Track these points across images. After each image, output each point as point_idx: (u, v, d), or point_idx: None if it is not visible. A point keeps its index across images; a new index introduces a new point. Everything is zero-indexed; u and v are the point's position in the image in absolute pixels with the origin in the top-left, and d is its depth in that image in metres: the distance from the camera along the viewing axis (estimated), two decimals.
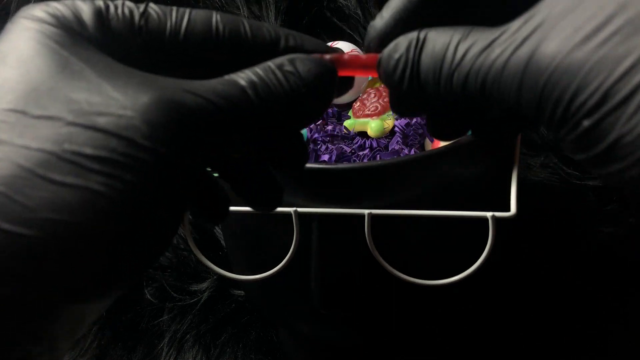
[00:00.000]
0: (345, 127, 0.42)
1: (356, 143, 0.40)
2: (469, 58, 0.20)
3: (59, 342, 0.19)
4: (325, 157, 0.38)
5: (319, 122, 0.43)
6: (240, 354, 0.50)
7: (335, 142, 0.41)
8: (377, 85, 0.44)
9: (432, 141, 0.40)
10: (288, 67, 0.21)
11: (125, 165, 0.18)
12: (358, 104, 0.42)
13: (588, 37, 0.17)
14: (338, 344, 0.42)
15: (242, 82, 0.20)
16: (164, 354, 0.50)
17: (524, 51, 0.19)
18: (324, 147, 0.40)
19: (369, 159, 0.38)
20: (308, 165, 0.33)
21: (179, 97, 0.19)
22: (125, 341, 0.52)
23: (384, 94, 0.42)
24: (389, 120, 0.41)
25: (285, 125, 0.22)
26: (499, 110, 0.24)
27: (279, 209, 0.34)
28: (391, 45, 0.22)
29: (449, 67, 0.20)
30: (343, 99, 0.44)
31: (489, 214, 0.32)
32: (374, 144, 0.40)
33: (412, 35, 0.21)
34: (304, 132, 0.41)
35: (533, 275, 0.50)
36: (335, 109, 0.44)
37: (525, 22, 0.19)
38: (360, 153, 0.39)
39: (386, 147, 0.39)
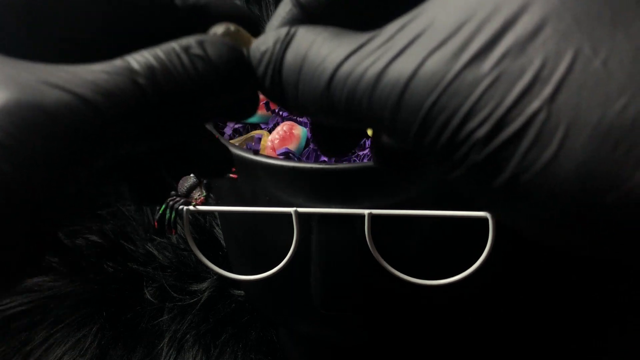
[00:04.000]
0: None
1: None
2: (332, 62, 0.17)
3: None
4: (326, 157, 0.38)
5: None
6: (240, 354, 0.50)
7: None
8: None
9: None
10: (196, 50, 0.18)
11: None
12: None
13: (477, 56, 0.15)
14: (338, 343, 0.42)
15: (136, 67, 0.17)
16: (164, 354, 0.51)
17: (406, 64, 0.16)
18: None
19: (369, 159, 0.38)
20: (308, 165, 0.33)
21: (39, 96, 0.15)
22: (125, 341, 0.52)
23: None
24: None
25: (188, 120, 0.19)
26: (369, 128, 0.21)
27: (279, 209, 0.34)
28: (260, 39, 0.20)
29: (310, 68, 0.18)
30: None
31: (489, 214, 0.32)
32: None
33: (283, 30, 0.19)
34: (304, 131, 0.41)
35: (533, 275, 0.50)
36: None
37: (402, 29, 0.16)
38: (360, 153, 0.39)
39: None
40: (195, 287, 0.54)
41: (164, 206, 0.38)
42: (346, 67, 0.17)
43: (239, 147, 0.37)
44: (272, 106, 0.45)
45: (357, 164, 0.34)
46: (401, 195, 0.34)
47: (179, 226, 0.39)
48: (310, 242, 0.35)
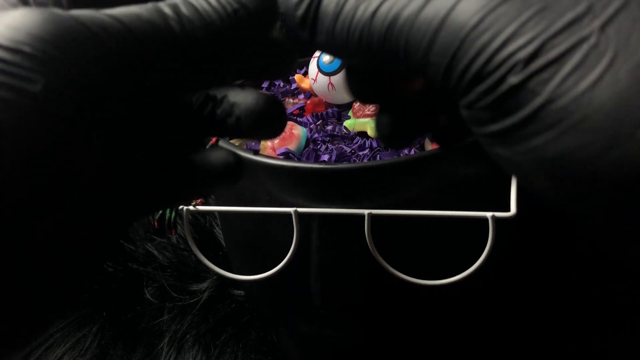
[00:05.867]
0: (345, 127, 0.42)
1: (356, 143, 0.40)
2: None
3: None
4: (325, 157, 0.38)
5: (318, 122, 0.43)
6: (240, 354, 0.50)
7: (335, 142, 0.41)
8: None
9: (432, 141, 0.40)
10: None
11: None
12: (358, 104, 0.42)
13: None
14: (338, 343, 0.42)
15: (166, 9, 0.17)
16: (164, 354, 0.50)
17: None
18: (324, 147, 0.40)
19: (369, 159, 0.38)
20: (308, 165, 0.33)
21: (88, 19, 0.16)
22: (125, 341, 0.52)
23: None
24: None
25: (214, 62, 0.18)
26: (401, 70, 0.20)
27: (279, 209, 0.34)
28: None
29: (353, 4, 0.18)
30: (343, 99, 0.44)
31: (489, 214, 0.32)
32: (374, 144, 0.40)
33: None
34: (304, 131, 0.41)
35: (533, 275, 0.50)
36: (335, 109, 0.44)
37: None
38: (360, 153, 0.39)
39: None
40: (195, 287, 0.54)
41: None
42: (390, 1, 0.17)
43: (239, 147, 0.37)
44: None
45: (357, 164, 0.34)
46: (401, 195, 0.34)
47: (179, 226, 0.39)
48: (310, 242, 0.35)
